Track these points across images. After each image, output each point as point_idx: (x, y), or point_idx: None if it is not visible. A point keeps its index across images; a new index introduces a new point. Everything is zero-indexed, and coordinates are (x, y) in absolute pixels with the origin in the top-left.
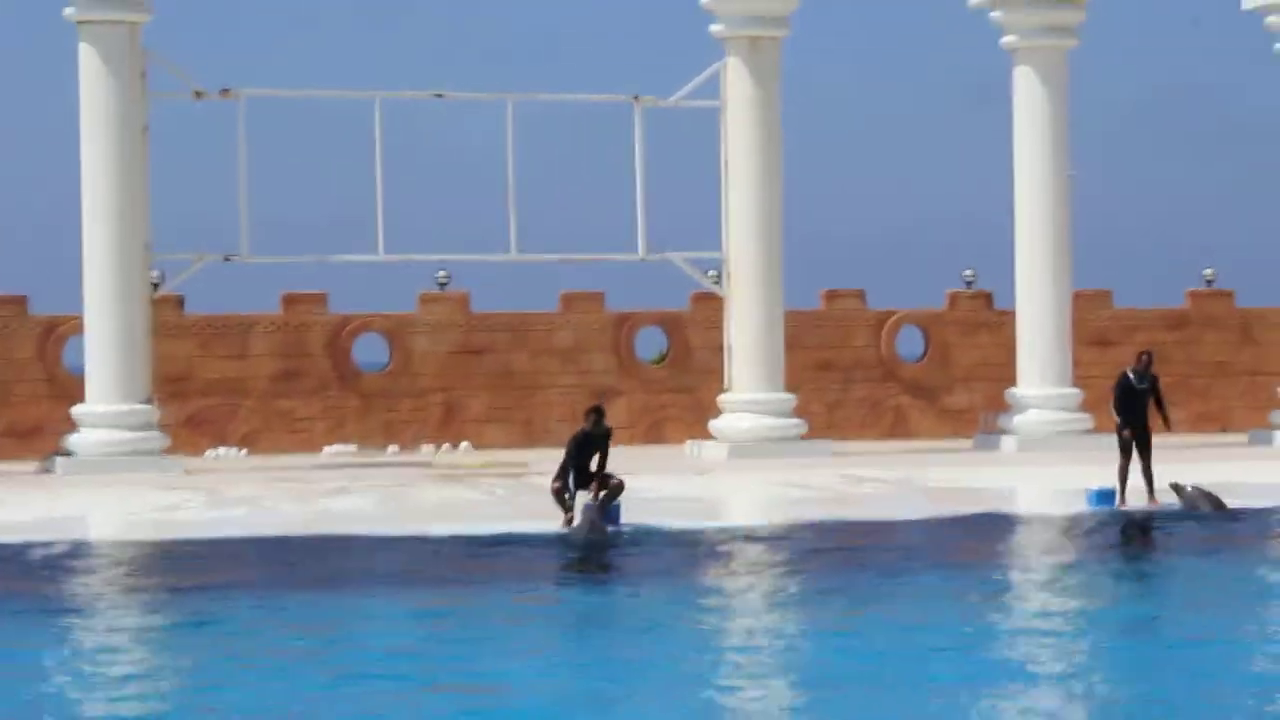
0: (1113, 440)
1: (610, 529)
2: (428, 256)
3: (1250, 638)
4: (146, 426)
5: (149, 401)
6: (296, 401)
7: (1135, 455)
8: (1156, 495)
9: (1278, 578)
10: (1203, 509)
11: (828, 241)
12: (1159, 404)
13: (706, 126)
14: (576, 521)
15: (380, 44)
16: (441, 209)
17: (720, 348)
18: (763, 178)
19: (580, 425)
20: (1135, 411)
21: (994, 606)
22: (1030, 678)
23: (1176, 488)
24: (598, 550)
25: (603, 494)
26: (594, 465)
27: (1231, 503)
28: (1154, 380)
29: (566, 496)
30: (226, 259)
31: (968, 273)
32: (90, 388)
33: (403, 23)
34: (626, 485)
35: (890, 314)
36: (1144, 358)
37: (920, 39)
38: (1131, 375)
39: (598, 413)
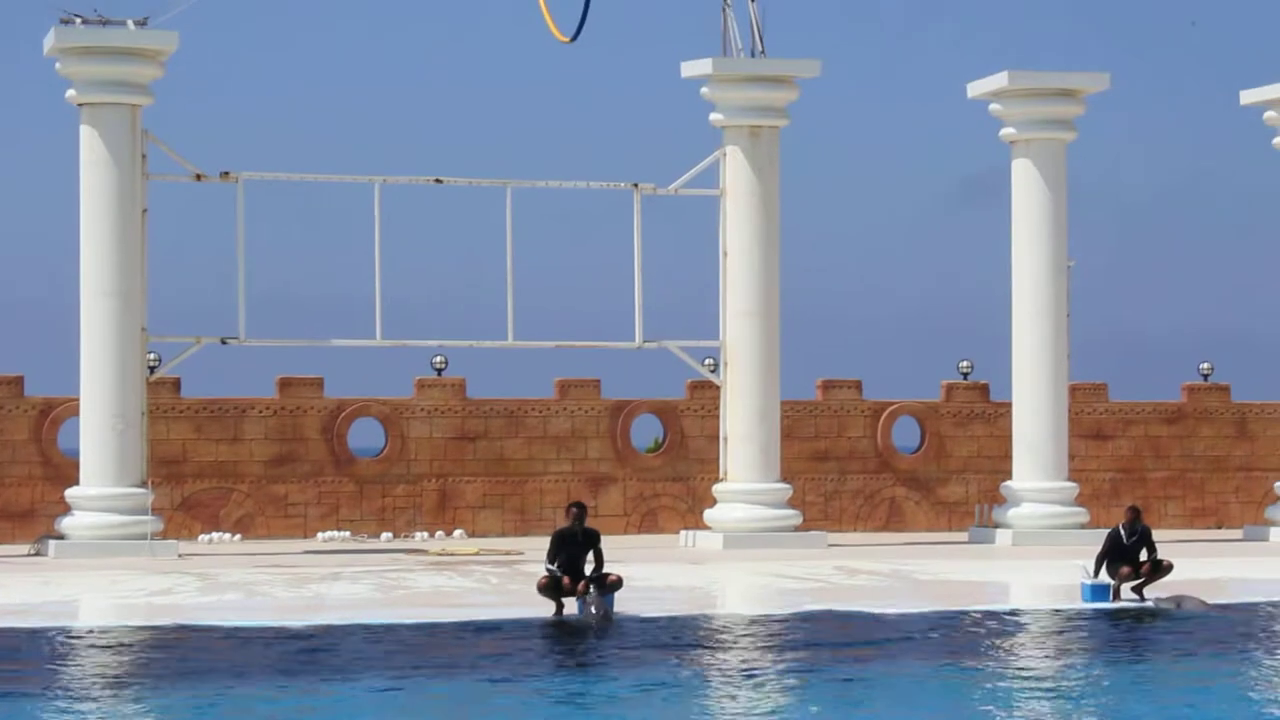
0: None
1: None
2: (425, 342)
3: None
4: (140, 510)
5: (143, 485)
6: (291, 486)
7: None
8: (1147, 593)
9: (1270, 675)
10: (1191, 607)
11: (824, 331)
12: (1151, 552)
13: (705, 215)
14: (572, 611)
15: (380, 129)
16: (439, 294)
17: (716, 437)
18: (761, 267)
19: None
20: (1129, 563)
21: (982, 702)
22: None
23: (1160, 597)
24: (592, 637)
25: (594, 594)
26: (589, 567)
27: (1222, 600)
28: (1145, 531)
29: (556, 590)
30: (223, 341)
31: (964, 364)
32: (84, 470)
33: (403, 108)
34: (623, 581)
35: (886, 405)
36: (1130, 513)
37: (920, 129)
38: (1122, 530)
39: (578, 508)
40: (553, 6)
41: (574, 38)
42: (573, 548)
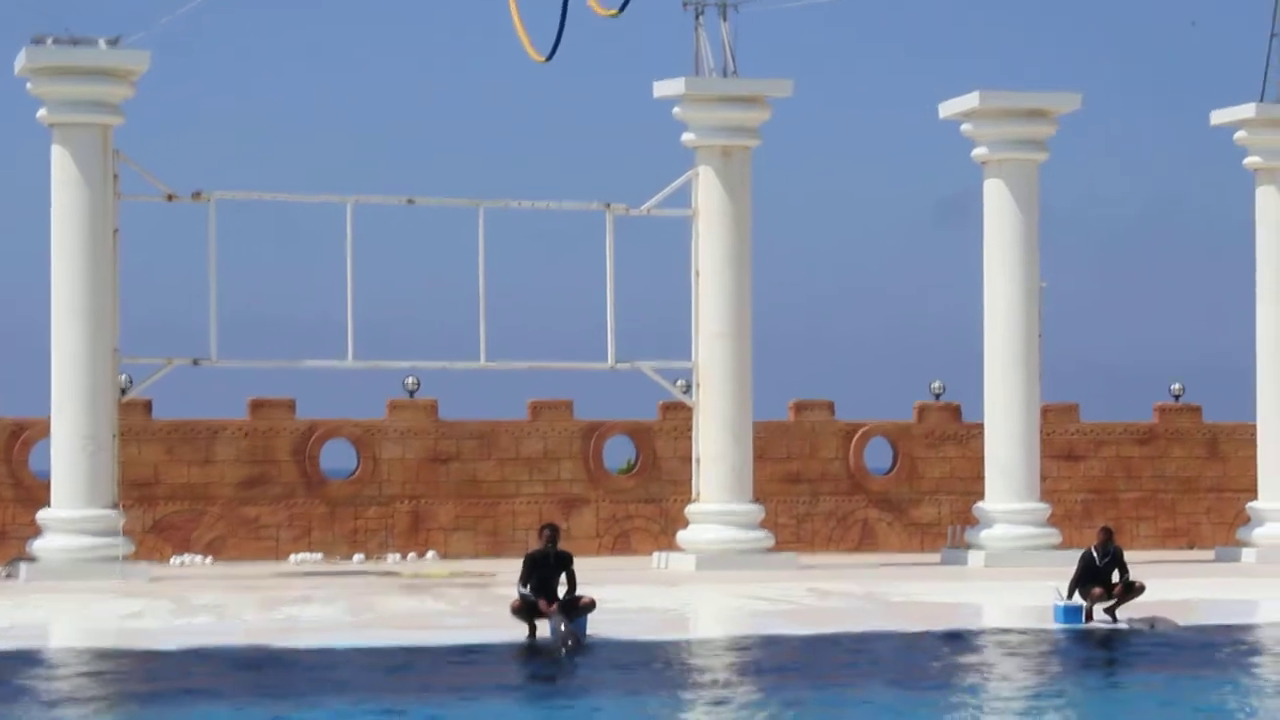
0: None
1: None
2: (397, 363)
3: None
4: (111, 532)
5: (115, 507)
6: (263, 508)
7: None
8: (1120, 614)
9: (1242, 696)
10: (1164, 628)
11: (797, 352)
12: (1123, 573)
13: (678, 235)
14: (546, 633)
15: (352, 149)
16: (411, 315)
17: (689, 458)
18: (733, 287)
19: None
20: (1101, 584)
21: None
22: None
23: (1133, 618)
24: (565, 661)
25: (562, 625)
26: (561, 590)
27: (1194, 621)
28: (1117, 552)
29: (529, 611)
30: (195, 363)
31: (936, 385)
32: (55, 492)
33: (375, 128)
34: (596, 603)
35: (859, 426)
36: (1103, 534)
37: (893, 149)
38: (1094, 552)
39: (550, 529)
40: (527, 25)
41: (549, 57)
42: (545, 570)
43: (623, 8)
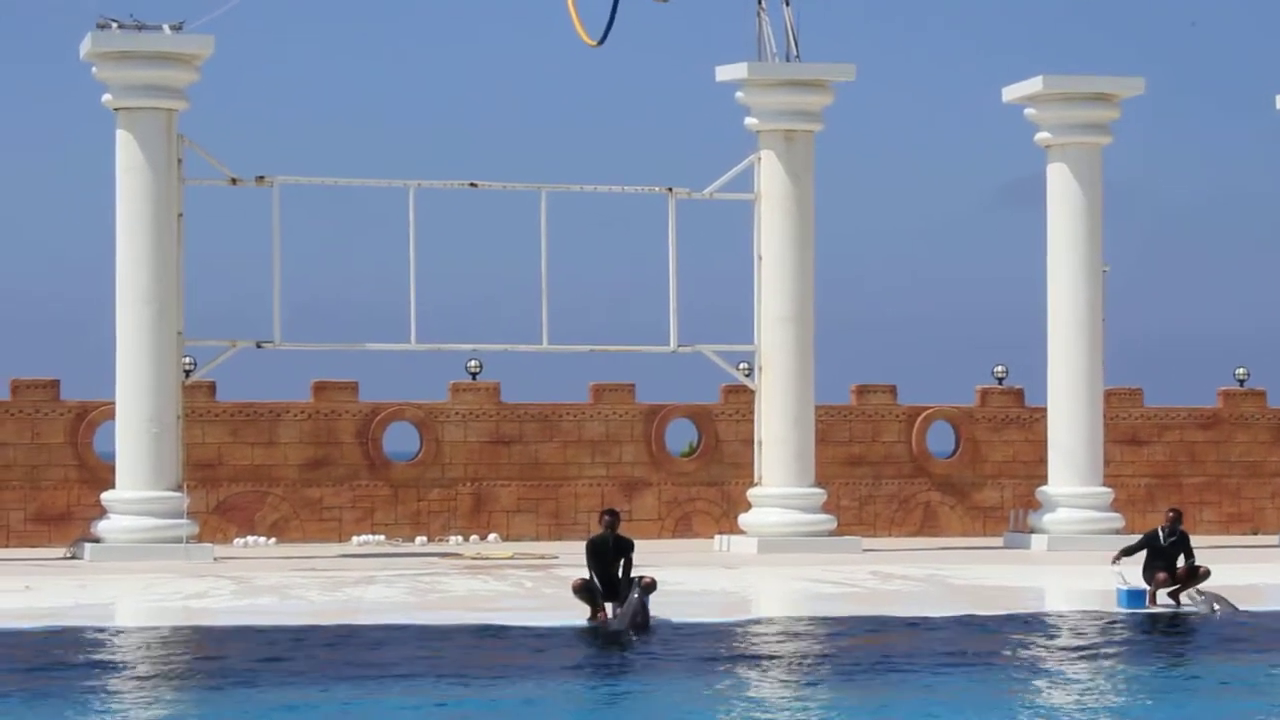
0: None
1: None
2: (459, 346)
3: None
4: (176, 514)
5: (179, 488)
6: (326, 490)
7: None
8: (1183, 597)
9: None
10: (1225, 610)
11: (859, 336)
12: (1188, 557)
13: (740, 219)
14: (614, 614)
15: (415, 133)
16: (474, 298)
17: (750, 441)
18: (796, 271)
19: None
20: (1165, 566)
21: (1019, 706)
22: None
23: (1195, 595)
24: (628, 642)
25: (636, 594)
26: (620, 574)
27: (1259, 606)
28: (1183, 536)
29: (591, 593)
30: (259, 345)
31: (999, 369)
32: (120, 474)
33: (437, 112)
34: (657, 584)
35: (921, 410)
36: (1171, 515)
37: (955, 133)
38: (1161, 532)
39: (611, 515)
40: (582, 10)
41: (601, 41)
42: (605, 556)
43: None
